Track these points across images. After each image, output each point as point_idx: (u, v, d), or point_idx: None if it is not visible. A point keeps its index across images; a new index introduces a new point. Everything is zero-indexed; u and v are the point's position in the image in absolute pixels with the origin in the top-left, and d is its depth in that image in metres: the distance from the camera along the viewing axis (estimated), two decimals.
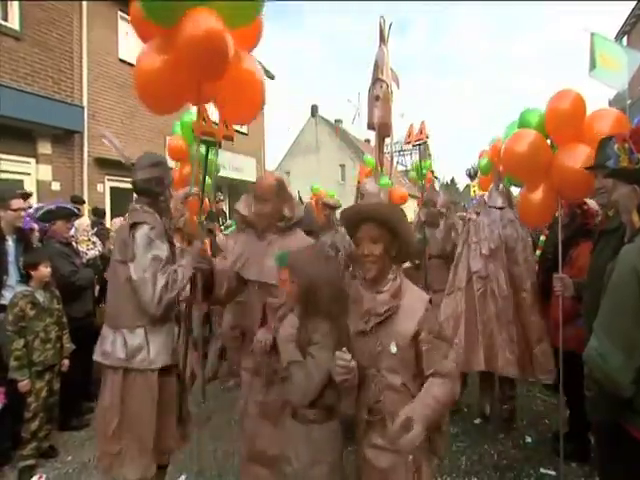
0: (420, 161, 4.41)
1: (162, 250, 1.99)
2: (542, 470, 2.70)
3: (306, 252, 1.72)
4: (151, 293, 1.89)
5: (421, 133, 3.73)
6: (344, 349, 1.43)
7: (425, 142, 3.84)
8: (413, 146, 3.84)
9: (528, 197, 2.79)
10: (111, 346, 1.99)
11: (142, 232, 1.97)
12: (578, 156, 2.41)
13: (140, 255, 1.92)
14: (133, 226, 2.00)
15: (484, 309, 3.02)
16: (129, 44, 9.04)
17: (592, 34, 4.63)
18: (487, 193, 3.66)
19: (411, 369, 1.49)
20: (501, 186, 3.42)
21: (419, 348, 1.45)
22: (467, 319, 3.04)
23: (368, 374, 1.50)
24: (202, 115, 2.14)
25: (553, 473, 2.65)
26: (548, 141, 2.68)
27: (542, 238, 3.93)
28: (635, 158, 1.53)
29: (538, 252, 3.89)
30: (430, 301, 1.54)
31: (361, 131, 27.25)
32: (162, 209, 2.17)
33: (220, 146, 2.43)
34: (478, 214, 3.95)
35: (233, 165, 12.00)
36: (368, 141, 27.73)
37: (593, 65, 4.54)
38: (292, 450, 1.58)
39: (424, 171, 5.06)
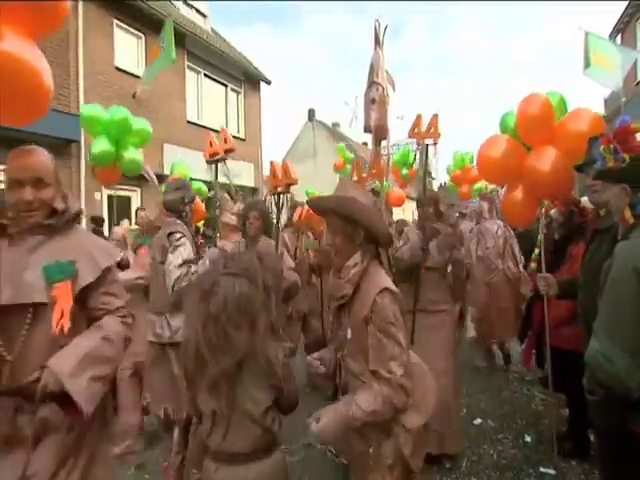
0: (426, 159, 3.15)
1: (187, 252, 2.50)
2: (542, 469, 2.70)
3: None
4: (169, 282, 2.42)
5: (430, 130, 2.97)
6: (315, 355, 1.61)
7: (435, 143, 3.06)
8: (418, 145, 3.12)
9: (509, 198, 2.83)
10: (160, 329, 2.51)
11: (174, 238, 2.51)
12: (547, 158, 2.49)
13: (170, 254, 2.47)
14: (169, 234, 2.53)
15: (503, 293, 4.39)
16: (125, 52, 9.11)
17: (586, 33, 4.66)
18: (483, 208, 4.87)
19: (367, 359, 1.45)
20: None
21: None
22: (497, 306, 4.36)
23: (339, 357, 1.58)
24: (209, 140, 2.84)
25: (553, 472, 2.65)
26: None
27: (540, 237, 3.93)
28: (620, 158, 1.53)
29: (537, 251, 3.89)
30: (388, 291, 1.44)
31: (359, 134, 27.36)
32: (186, 221, 2.70)
33: (225, 159, 3.01)
34: (463, 215, 5.59)
35: (231, 171, 12.04)
36: (366, 144, 27.81)
37: (587, 64, 4.57)
38: None
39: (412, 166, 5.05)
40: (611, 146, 1.56)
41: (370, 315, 1.42)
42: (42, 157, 1.46)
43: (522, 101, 2.63)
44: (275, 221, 2.85)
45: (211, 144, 2.88)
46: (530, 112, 2.58)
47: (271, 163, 2.88)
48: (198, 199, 4.49)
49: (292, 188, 3.00)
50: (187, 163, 5.95)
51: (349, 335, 1.50)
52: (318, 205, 1.67)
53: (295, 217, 4.94)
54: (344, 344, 1.54)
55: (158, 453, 3.05)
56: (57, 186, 1.48)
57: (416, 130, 3.06)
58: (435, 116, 3.04)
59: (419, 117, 3.10)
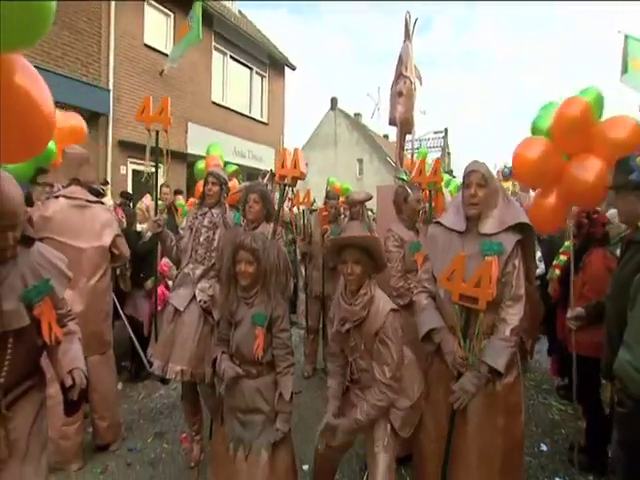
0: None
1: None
2: (557, 479, 2.66)
3: (263, 240, 2.01)
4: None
5: (435, 174, 3.16)
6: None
7: (436, 187, 3.23)
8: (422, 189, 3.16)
9: (540, 203, 2.76)
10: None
11: None
12: (590, 168, 2.40)
13: None
14: None
15: None
16: (154, 30, 9.13)
17: (626, 36, 4.41)
18: None
19: None
20: None
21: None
22: None
23: (349, 360, 1.99)
24: (282, 161, 2.57)
25: None
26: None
27: (567, 243, 3.85)
28: None
29: (563, 258, 3.81)
30: (392, 311, 1.86)
31: (380, 126, 27.03)
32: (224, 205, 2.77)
33: (295, 185, 2.74)
34: None
35: (253, 154, 12.07)
36: (387, 136, 27.47)
37: (625, 69, 4.32)
38: (258, 402, 1.97)
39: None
40: None
41: (378, 330, 1.84)
42: (16, 197, 1.36)
43: (562, 104, 2.50)
44: (276, 213, 2.63)
45: (283, 165, 2.59)
46: (569, 116, 2.44)
47: (283, 150, 2.68)
48: (235, 181, 4.49)
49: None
50: (210, 143, 5.95)
51: (362, 347, 1.91)
52: (346, 241, 1.93)
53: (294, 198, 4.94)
54: (356, 350, 1.94)
55: (177, 423, 3.15)
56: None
57: (421, 175, 3.21)
58: (437, 160, 3.27)
59: (423, 160, 3.29)
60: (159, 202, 3.28)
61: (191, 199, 5.73)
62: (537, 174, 2.65)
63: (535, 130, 2.82)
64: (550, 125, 2.61)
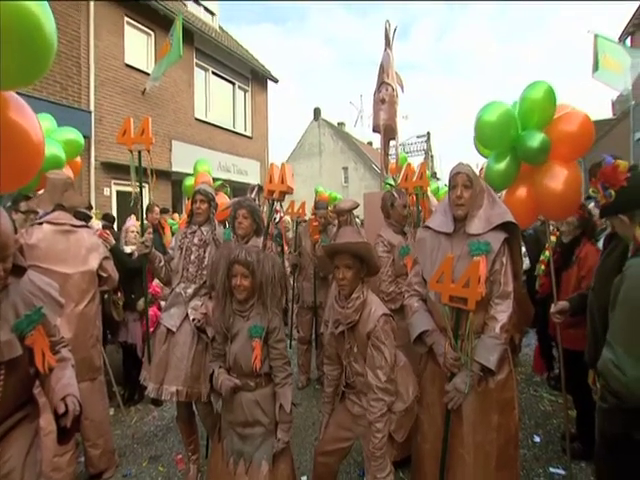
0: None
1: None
2: (551, 469, 2.70)
3: (257, 253, 2.01)
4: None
5: (421, 178, 3.27)
6: None
7: (423, 191, 3.33)
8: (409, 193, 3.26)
9: (511, 198, 2.73)
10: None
11: None
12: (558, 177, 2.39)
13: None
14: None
15: None
16: (135, 49, 9.17)
17: (596, 35, 4.62)
18: None
19: None
20: None
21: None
22: None
23: (343, 363, 2.04)
24: (270, 176, 2.64)
25: (563, 472, 2.66)
26: None
27: (552, 238, 3.91)
28: (608, 194, 1.72)
29: (548, 253, 3.87)
30: (384, 316, 1.89)
31: (363, 133, 27.35)
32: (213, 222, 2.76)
33: (283, 199, 2.85)
34: None
35: (238, 168, 12.09)
36: (371, 143, 27.80)
37: (596, 67, 4.52)
38: (257, 414, 1.97)
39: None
40: (598, 186, 1.76)
41: (370, 333, 1.88)
42: (6, 229, 1.34)
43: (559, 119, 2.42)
44: (265, 228, 2.65)
45: (271, 180, 2.62)
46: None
47: (271, 165, 2.70)
48: (224, 195, 4.48)
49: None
50: (195, 160, 5.96)
51: (355, 350, 1.96)
52: (337, 247, 1.96)
53: (288, 210, 4.94)
54: (350, 354, 1.98)
55: (171, 445, 3.10)
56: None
57: (407, 181, 3.30)
58: (423, 164, 3.33)
59: (409, 166, 3.35)
60: (144, 222, 3.25)
61: (182, 216, 5.72)
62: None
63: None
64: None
